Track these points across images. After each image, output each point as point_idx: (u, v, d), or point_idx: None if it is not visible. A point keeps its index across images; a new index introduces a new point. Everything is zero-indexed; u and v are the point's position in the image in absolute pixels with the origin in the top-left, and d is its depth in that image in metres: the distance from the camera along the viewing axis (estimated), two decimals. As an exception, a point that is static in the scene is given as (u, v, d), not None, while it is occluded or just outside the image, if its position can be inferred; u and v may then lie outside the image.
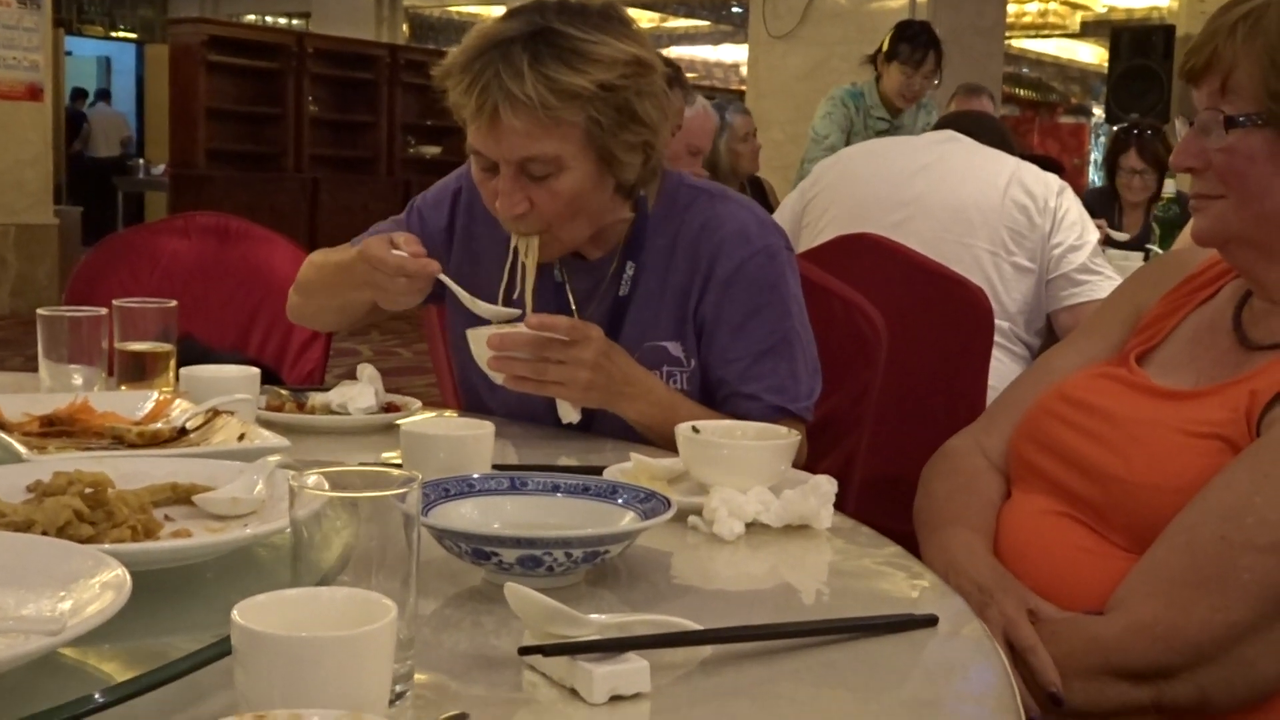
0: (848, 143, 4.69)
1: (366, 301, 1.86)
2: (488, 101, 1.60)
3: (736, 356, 1.77)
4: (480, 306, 1.68)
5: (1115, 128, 6.06)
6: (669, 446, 1.63)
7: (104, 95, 17.44)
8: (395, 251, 1.70)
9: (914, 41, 4.84)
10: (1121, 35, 11.45)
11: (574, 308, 1.81)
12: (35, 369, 1.80)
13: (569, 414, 1.68)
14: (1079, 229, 2.86)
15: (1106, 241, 4.54)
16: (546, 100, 1.59)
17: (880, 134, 4.74)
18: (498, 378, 1.63)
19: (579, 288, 1.83)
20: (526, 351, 1.60)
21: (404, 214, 2.01)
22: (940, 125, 3.30)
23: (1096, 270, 2.85)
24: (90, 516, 1.06)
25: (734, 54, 18.17)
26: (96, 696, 0.82)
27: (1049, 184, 2.88)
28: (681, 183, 1.85)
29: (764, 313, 1.77)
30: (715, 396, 1.80)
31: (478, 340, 1.63)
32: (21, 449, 1.32)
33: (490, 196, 1.71)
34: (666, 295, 1.79)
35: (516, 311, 1.70)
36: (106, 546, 1.01)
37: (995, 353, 2.55)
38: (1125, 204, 5.39)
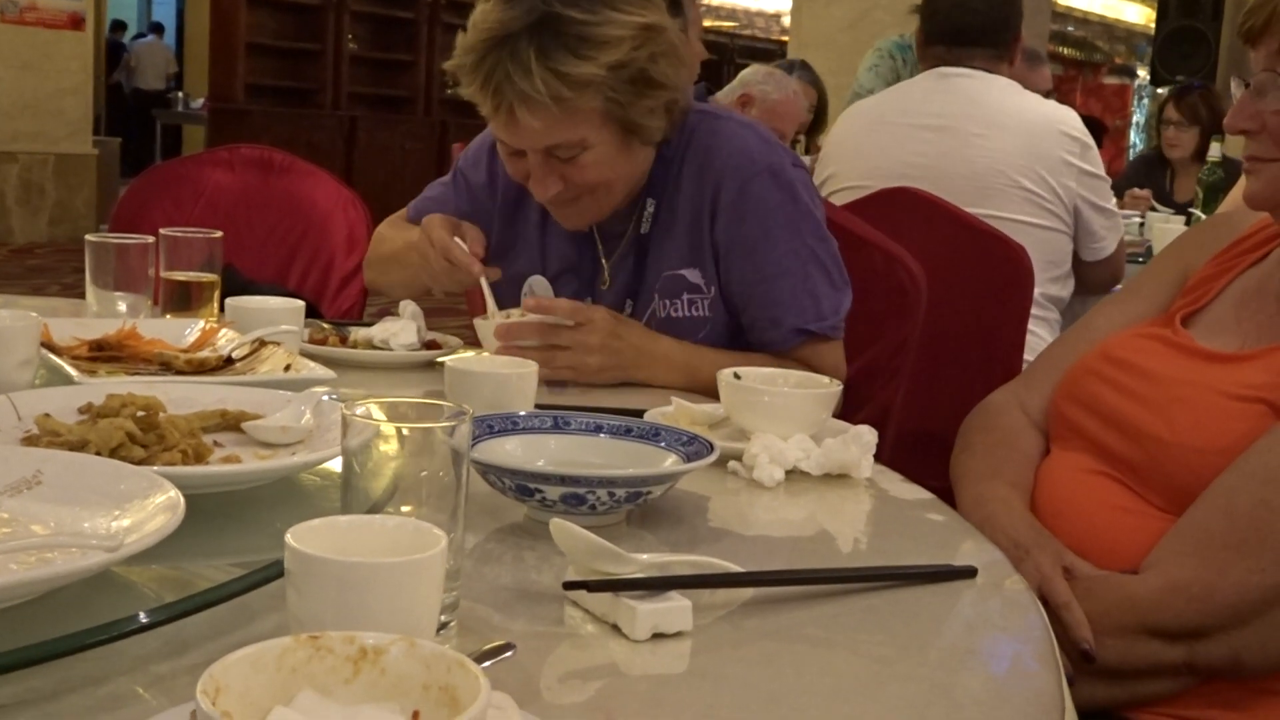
0: None
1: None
2: (503, 102, 1.61)
3: (754, 280, 1.76)
4: (495, 313, 1.72)
5: (1160, 90, 5.98)
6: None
7: (157, 28, 17.45)
8: (456, 240, 1.74)
9: None
10: (1170, -6, 11.29)
11: (601, 254, 1.85)
12: (72, 296, 1.82)
13: None
14: (1097, 180, 2.86)
15: (1150, 208, 4.51)
16: (560, 93, 1.58)
17: None
18: None
19: (607, 231, 1.85)
20: (534, 339, 1.62)
21: (449, 176, 2.03)
22: (930, 37, 3.01)
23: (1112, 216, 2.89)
24: (142, 439, 1.08)
25: (775, 3, 18.03)
26: (141, 616, 0.83)
27: (1061, 137, 2.81)
28: (688, 119, 1.82)
29: (774, 234, 1.75)
30: (741, 323, 1.81)
31: (484, 329, 1.67)
32: (73, 371, 1.34)
33: (520, 176, 1.74)
34: (679, 223, 1.80)
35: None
36: (158, 469, 1.02)
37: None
38: (1175, 166, 5.35)
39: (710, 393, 1.46)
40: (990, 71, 2.90)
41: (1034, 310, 2.69)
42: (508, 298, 1.84)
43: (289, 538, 0.77)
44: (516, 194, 1.89)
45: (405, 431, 0.90)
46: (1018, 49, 3.00)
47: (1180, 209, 4.71)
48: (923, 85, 2.98)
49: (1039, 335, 2.68)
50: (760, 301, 1.77)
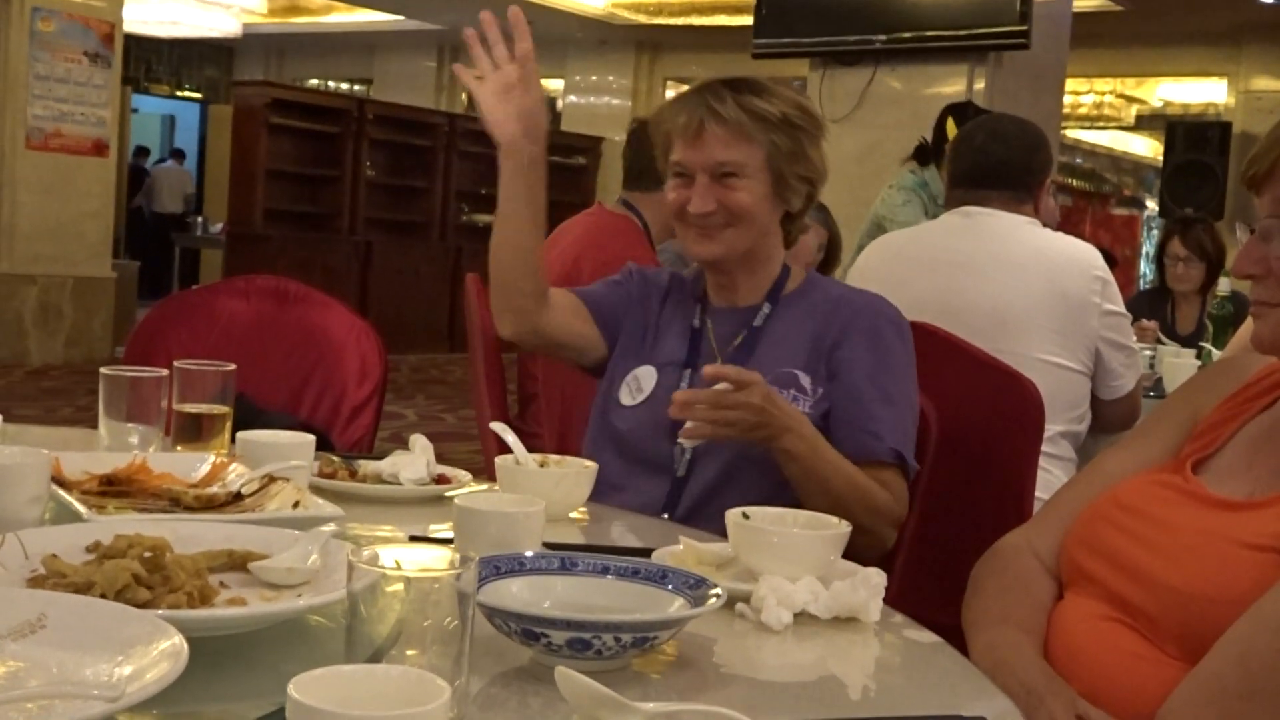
0: None
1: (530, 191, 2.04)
2: (695, 117, 2.00)
3: (868, 399, 1.96)
4: (526, 459, 1.78)
5: (1166, 221, 6.05)
6: (806, 482, 1.86)
7: (176, 154, 17.74)
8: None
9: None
10: (1176, 130, 11.47)
11: (715, 349, 2.07)
12: (86, 419, 1.83)
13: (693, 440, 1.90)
14: (1119, 318, 2.88)
15: (1157, 340, 4.52)
16: (741, 119, 1.98)
17: None
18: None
19: (721, 333, 2.09)
20: (706, 402, 1.80)
21: (617, 276, 2.25)
22: (954, 180, 3.10)
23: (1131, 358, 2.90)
24: (148, 580, 1.08)
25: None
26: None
27: (1085, 276, 2.84)
28: (818, 276, 2.18)
29: (895, 371, 2.00)
30: (840, 429, 1.96)
31: (504, 470, 1.74)
32: (82, 509, 1.34)
33: (681, 204, 2.03)
34: (802, 336, 2.03)
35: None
36: (163, 612, 1.02)
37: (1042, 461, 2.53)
38: (1177, 298, 5.36)
39: (819, 481, 1.83)
40: (1012, 212, 2.94)
41: (1049, 449, 2.68)
42: (612, 391, 2.09)
43: (291, 689, 0.77)
44: (652, 322, 2.15)
45: (411, 578, 0.90)
46: (1043, 193, 3.04)
47: (1184, 341, 4.71)
48: (947, 223, 3.03)
49: (1054, 474, 2.67)
50: (868, 415, 1.95)
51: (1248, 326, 2.02)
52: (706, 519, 1.84)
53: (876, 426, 1.94)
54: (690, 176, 2.02)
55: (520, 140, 2.01)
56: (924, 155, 4.90)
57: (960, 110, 4.94)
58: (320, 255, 11.96)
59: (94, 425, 1.86)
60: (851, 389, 1.97)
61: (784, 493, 1.86)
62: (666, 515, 1.96)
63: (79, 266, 9.80)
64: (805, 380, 1.99)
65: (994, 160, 2.98)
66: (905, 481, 1.95)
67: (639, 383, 2.07)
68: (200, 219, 15.48)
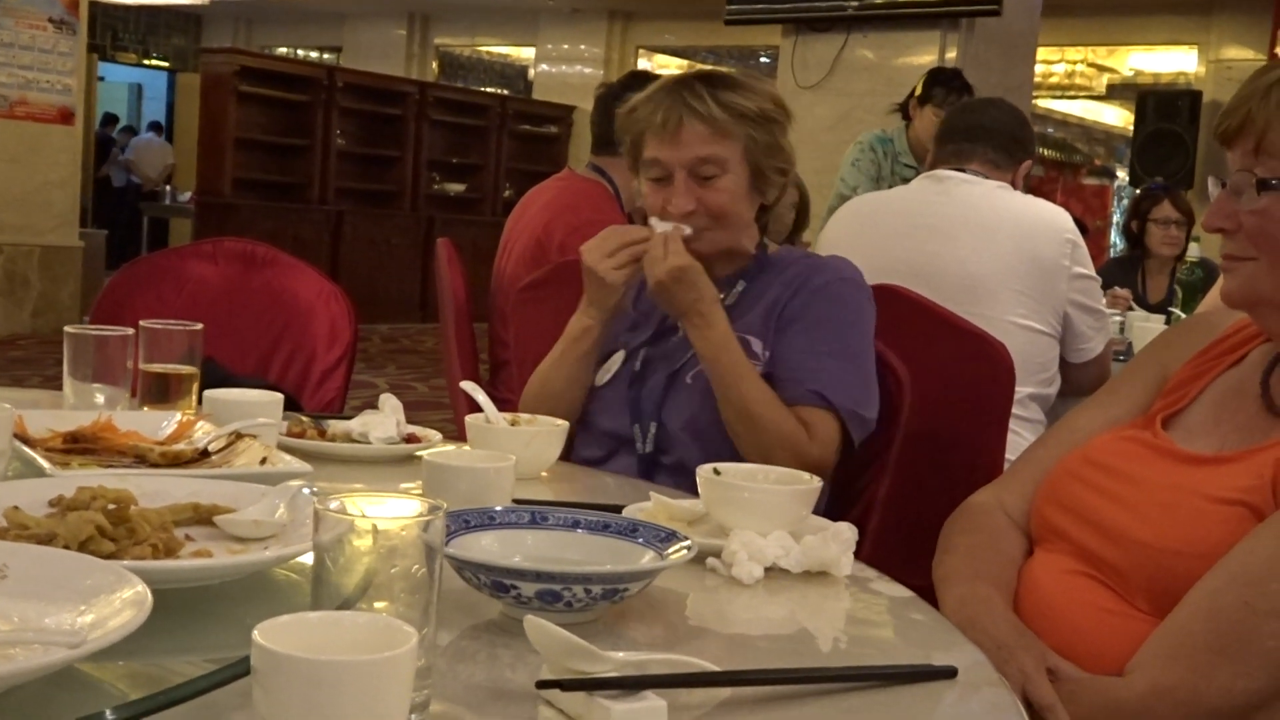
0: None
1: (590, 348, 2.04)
2: (673, 115, 1.99)
3: (799, 350, 1.96)
4: (496, 418, 1.76)
5: (1139, 190, 6.05)
6: (711, 380, 1.90)
7: (156, 127, 17.57)
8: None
9: (949, 85, 4.82)
10: (1147, 99, 11.50)
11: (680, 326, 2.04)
12: (53, 388, 1.81)
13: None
14: (1088, 281, 2.89)
15: (1128, 308, 4.53)
16: (719, 114, 1.98)
17: (907, 181, 4.70)
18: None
19: None
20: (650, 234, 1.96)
21: None
22: (944, 135, 3.14)
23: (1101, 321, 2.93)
24: (112, 533, 1.06)
25: (760, 104, 18.23)
26: (108, 714, 0.81)
27: (1055, 240, 2.85)
28: (794, 250, 2.19)
29: (838, 323, 1.99)
30: (775, 380, 1.95)
31: (475, 429, 1.73)
32: (45, 464, 1.33)
33: (657, 205, 2.02)
34: (761, 304, 2.02)
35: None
36: (127, 563, 1.01)
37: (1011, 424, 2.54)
38: (1153, 263, 5.35)
39: (720, 386, 1.87)
40: (987, 176, 2.95)
41: (1019, 411, 2.69)
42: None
43: (256, 634, 0.76)
44: (630, 312, 2.11)
45: (379, 527, 0.89)
46: (1021, 169, 3.06)
47: (1154, 309, 4.72)
48: (919, 187, 3.04)
49: (1023, 436, 2.68)
50: (795, 366, 1.95)
51: (1218, 288, 2.02)
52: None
53: (799, 374, 1.94)
54: (668, 175, 2.00)
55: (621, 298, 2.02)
56: (905, 109, 4.94)
57: (943, 74, 4.97)
58: (290, 225, 11.88)
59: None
60: (789, 341, 1.98)
61: None
62: None
63: (46, 236, 9.70)
64: (757, 345, 1.98)
65: (988, 118, 3.06)
66: (837, 429, 1.93)
67: (608, 365, 2.07)
68: (169, 188, 15.34)
